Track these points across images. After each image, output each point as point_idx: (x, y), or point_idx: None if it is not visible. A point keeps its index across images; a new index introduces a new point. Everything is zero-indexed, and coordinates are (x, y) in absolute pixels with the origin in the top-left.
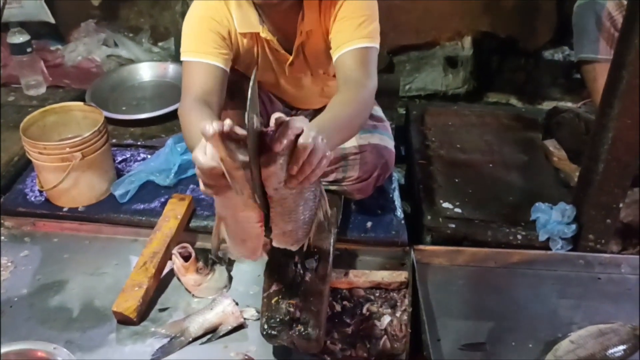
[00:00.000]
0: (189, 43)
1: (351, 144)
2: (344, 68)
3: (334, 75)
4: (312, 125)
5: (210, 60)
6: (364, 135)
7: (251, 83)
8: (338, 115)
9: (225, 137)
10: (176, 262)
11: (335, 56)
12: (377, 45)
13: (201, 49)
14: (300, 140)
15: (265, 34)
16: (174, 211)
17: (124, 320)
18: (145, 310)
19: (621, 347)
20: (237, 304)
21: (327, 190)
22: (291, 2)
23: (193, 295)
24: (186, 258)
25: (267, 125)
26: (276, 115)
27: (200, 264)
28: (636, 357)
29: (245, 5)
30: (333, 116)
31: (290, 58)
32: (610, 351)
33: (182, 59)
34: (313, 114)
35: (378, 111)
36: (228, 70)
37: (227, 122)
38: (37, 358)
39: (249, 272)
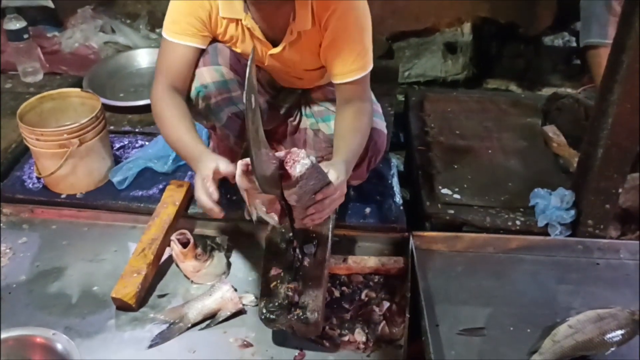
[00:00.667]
0: (169, 22)
1: None
2: (343, 93)
3: (312, 70)
4: (337, 170)
5: (188, 42)
6: None
7: (249, 65)
8: (353, 146)
9: (245, 174)
10: (175, 249)
11: (334, 81)
12: (371, 65)
13: (179, 29)
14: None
15: (247, 21)
16: (172, 197)
17: (122, 307)
18: (144, 296)
19: (619, 332)
20: (235, 290)
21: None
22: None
23: (192, 281)
24: (185, 244)
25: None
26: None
27: (199, 250)
28: (634, 341)
29: None
30: (349, 149)
31: (272, 49)
32: (609, 336)
33: (163, 34)
34: (298, 94)
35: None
36: (205, 46)
37: (241, 164)
38: (37, 344)
39: (248, 258)
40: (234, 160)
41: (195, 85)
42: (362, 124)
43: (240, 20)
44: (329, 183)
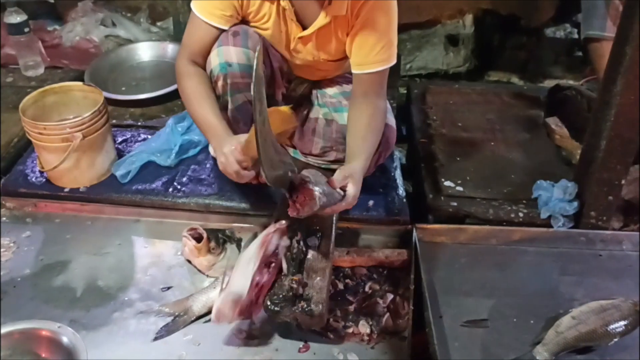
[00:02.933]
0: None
1: None
2: (362, 84)
3: (335, 61)
4: (356, 183)
5: (213, 21)
6: None
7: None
8: (370, 149)
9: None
10: (188, 244)
11: (354, 70)
12: (394, 60)
13: (212, 10)
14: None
15: (285, 3)
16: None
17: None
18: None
19: (622, 323)
20: None
21: (328, 170)
22: None
23: (207, 275)
24: (198, 240)
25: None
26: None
27: (213, 244)
28: (637, 332)
29: None
30: (367, 153)
31: (302, 32)
32: (612, 326)
33: (192, 8)
34: (309, 84)
35: None
36: (228, 27)
37: None
38: (42, 337)
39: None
40: None
41: (219, 60)
42: (378, 123)
43: (278, 0)
44: (342, 199)
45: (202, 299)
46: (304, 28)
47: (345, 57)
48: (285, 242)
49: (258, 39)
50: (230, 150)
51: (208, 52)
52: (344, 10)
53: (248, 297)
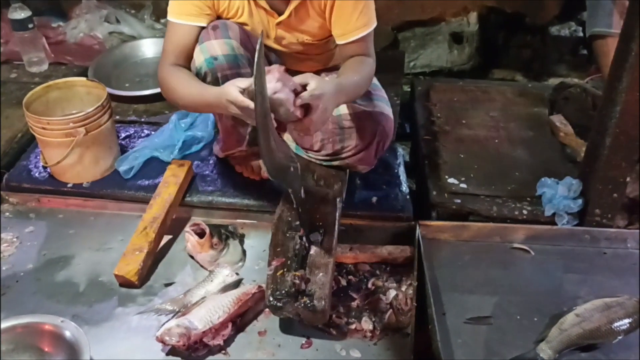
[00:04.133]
0: (174, 5)
1: (346, 111)
2: (348, 52)
3: (319, 40)
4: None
5: (190, 21)
6: (359, 103)
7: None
8: (352, 79)
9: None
10: (190, 240)
11: (338, 42)
12: (375, 22)
13: (188, 10)
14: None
15: None
16: (174, 177)
17: (126, 284)
18: (146, 274)
19: (627, 320)
20: (237, 274)
21: (330, 166)
22: None
23: (210, 271)
24: (200, 235)
25: None
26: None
27: (215, 239)
28: None
29: None
30: (347, 78)
31: (279, 18)
32: (616, 324)
33: (168, 17)
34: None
35: (374, 80)
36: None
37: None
38: (45, 331)
39: (255, 247)
40: (240, 142)
41: (205, 56)
42: (365, 68)
43: None
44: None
45: (200, 293)
46: (280, 14)
47: (330, 35)
48: (260, 306)
49: (238, 29)
50: (234, 92)
51: (190, 54)
52: None
53: (202, 335)
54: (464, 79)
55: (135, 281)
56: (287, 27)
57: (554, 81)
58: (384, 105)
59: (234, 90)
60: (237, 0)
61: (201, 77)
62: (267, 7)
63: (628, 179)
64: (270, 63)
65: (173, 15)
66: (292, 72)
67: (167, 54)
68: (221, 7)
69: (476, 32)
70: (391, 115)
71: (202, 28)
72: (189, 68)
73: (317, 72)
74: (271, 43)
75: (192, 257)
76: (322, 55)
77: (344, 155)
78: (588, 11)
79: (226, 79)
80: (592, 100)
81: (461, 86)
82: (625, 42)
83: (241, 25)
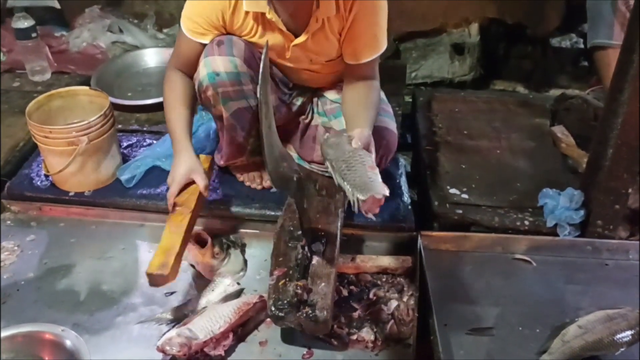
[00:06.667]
0: (185, 18)
1: None
2: (355, 71)
3: (332, 61)
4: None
5: (199, 39)
6: None
7: (262, 60)
8: (370, 119)
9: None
10: (192, 249)
11: (347, 61)
12: (385, 45)
13: (195, 27)
14: None
15: (271, 15)
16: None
17: (157, 282)
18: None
19: (629, 332)
20: (238, 284)
21: (331, 178)
22: None
23: (211, 281)
24: (202, 244)
25: None
26: None
27: (217, 249)
28: None
29: None
30: (368, 114)
31: (295, 40)
32: (618, 336)
33: (180, 22)
34: (310, 93)
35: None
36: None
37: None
38: (46, 340)
39: (257, 256)
40: (241, 152)
41: (207, 70)
42: (375, 97)
43: (263, 13)
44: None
45: (201, 303)
46: (297, 34)
47: (341, 55)
48: (261, 316)
49: (244, 46)
50: (177, 181)
51: (194, 65)
52: (334, 10)
53: (202, 345)
54: (465, 89)
55: (168, 274)
56: (303, 49)
57: (554, 92)
58: (389, 120)
59: (180, 181)
60: (252, 19)
61: (202, 88)
62: (284, 29)
63: (630, 190)
64: (274, 79)
65: (183, 25)
66: (297, 87)
67: (174, 57)
68: (235, 25)
69: (477, 43)
70: (395, 130)
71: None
72: (190, 75)
73: (320, 88)
74: (282, 61)
75: (193, 266)
76: (329, 75)
77: None
78: (589, 23)
79: (227, 95)
80: (593, 111)
81: (463, 97)
82: (627, 53)
83: (249, 42)
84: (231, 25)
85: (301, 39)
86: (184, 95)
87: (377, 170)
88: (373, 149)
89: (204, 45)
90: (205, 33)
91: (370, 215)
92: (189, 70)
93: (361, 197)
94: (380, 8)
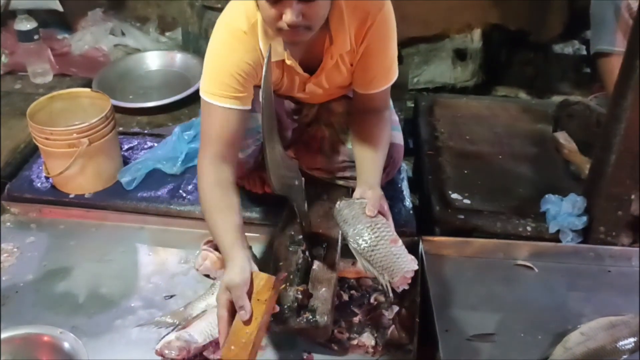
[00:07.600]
0: (211, 84)
1: None
2: (367, 103)
3: (343, 88)
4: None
5: (231, 104)
6: None
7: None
8: (380, 164)
9: None
10: (210, 257)
11: (359, 90)
12: (396, 75)
13: (223, 92)
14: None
15: (289, 60)
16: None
17: None
18: None
19: (632, 339)
20: None
21: (334, 185)
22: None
23: (211, 284)
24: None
25: None
26: None
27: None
28: None
29: (270, 33)
30: (378, 160)
31: (312, 79)
32: (621, 343)
33: (201, 96)
34: (318, 106)
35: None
36: (248, 107)
37: None
38: (44, 342)
39: (257, 261)
40: (250, 180)
41: None
42: (385, 132)
43: (282, 60)
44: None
45: (201, 306)
46: (311, 71)
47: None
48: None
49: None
50: (224, 293)
51: (235, 140)
52: (348, 45)
53: (202, 348)
54: (468, 95)
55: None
56: (316, 83)
57: (557, 99)
58: (396, 133)
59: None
60: (275, 68)
61: None
62: (301, 72)
63: (632, 197)
64: (282, 113)
65: (210, 95)
66: (309, 106)
67: (206, 143)
68: (257, 78)
69: (480, 49)
70: (402, 143)
71: (243, 111)
72: (232, 158)
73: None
74: (297, 95)
75: (207, 276)
76: (339, 101)
77: (352, 182)
78: (592, 29)
79: (247, 145)
80: (596, 118)
81: (465, 102)
82: (630, 59)
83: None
84: (253, 79)
85: (316, 76)
86: (224, 192)
87: (400, 242)
88: (387, 209)
89: (240, 112)
90: (237, 96)
91: (401, 288)
92: (229, 150)
93: (393, 281)
94: (390, 39)
